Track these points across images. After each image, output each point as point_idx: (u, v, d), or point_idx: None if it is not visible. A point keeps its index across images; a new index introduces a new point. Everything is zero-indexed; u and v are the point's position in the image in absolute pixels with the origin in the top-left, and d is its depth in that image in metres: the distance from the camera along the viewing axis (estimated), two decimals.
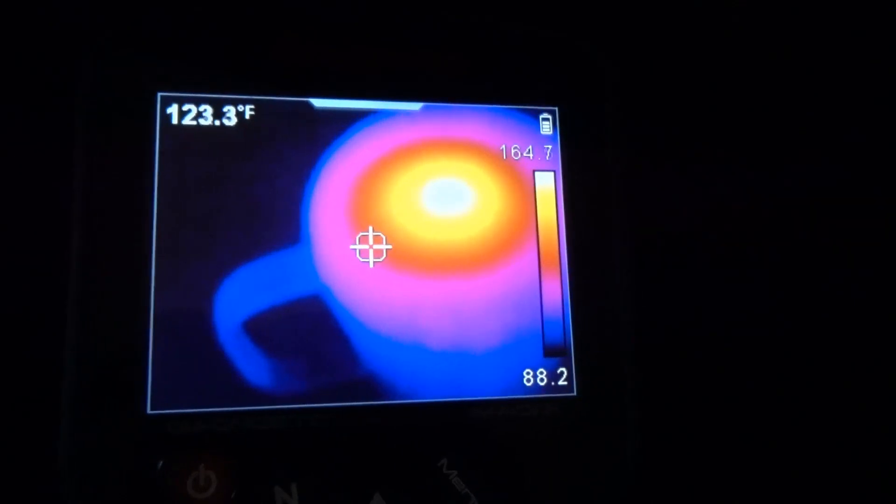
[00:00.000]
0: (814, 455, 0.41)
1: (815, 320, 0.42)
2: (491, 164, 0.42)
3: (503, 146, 0.42)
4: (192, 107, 0.39)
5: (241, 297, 0.38)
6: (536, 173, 0.42)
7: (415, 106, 0.42)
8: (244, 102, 0.40)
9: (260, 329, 0.38)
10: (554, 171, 0.42)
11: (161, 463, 0.35)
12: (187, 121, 0.39)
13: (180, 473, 0.35)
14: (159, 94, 0.39)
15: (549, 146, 0.43)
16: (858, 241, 0.43)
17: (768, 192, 0.44)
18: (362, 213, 0.40)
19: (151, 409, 0.36)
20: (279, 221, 0.39)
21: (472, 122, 0.42)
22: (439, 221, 0.41)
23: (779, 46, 0.44)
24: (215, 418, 0.36)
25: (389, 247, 0.40)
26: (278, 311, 0.38)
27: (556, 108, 0.43)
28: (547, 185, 0.42)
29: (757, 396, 0.41)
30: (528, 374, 0.40)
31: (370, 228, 0.40)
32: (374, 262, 0.39)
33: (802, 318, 0.42)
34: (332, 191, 0.40)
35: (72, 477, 0.35)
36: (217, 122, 0.39)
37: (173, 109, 0.39)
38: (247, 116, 0.39)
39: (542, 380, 0.40)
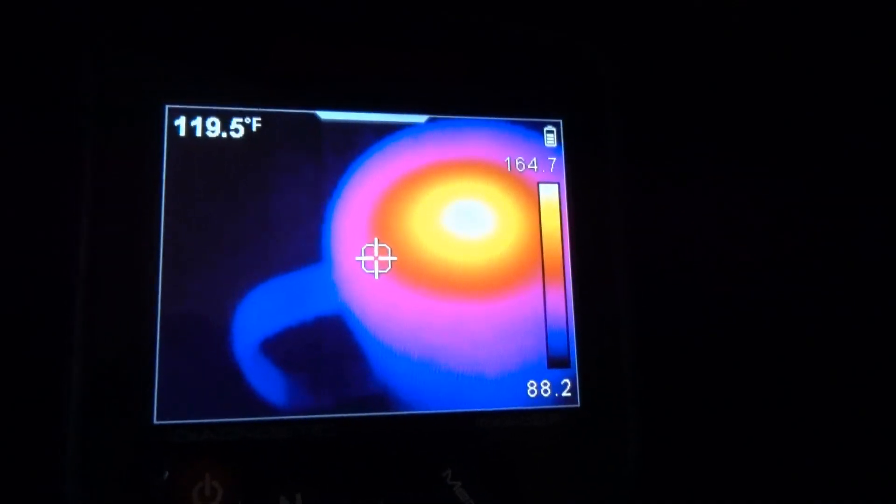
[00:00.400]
0: (815, 467, 0.41)
1: (819, 330, 0.42)
2: (496, 176, 0.42)
3: (507, 158, 0.42)
4: (200, 119, 0.39)
5: (259, 313, 0.38)
6: (541, 185, 0.42)
7: (420, 118, 0.42)
8: (251, 115, 0.40)
9: (276, 346, 0.38)
10: (558, 183, 0.42)
11: (167, 473, 0.35)
12: (195, 133, 0.39)
13: (186, 483, 0.35)
14: (167, 106, 0.39)
15: (554, 158, 0.43)
16: (862, 252, 0.43)
17: (773, 204, 0.44)
18: (369, 227, 0.40)
19: (158, 420, 0.36)
20: (298, 241, 0.39)
21: (477, 135, 0.42)
22: (444, 234, 0.41)
23: (783, 53, 0.44)
24: (221, 428, 0.36)
25: (394, 258, 0.40)
26: (296, 330, 0.38)
27: (561, 121, 0.43)
28: (551, 197, 0.42)
29: (759, 407, 0.41)
30: (531, 385, 0.40)
31: (375, 240, 0.40)
32: (380, 273, 0.40)
33: (806, 328, 0.42)
34: (348, 212, 0.40)
35: (78, 486, 0.35)
36: (224, 135, 0.39)
37: (181, 121, 0.39)
38: (253, 129, 0.40)
39: (545, 391, 0.40)
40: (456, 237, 0.41)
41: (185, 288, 0.37)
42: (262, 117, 0.40)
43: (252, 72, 0.40)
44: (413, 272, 0.40)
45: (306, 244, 0.39)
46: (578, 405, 0.40)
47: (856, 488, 0.40)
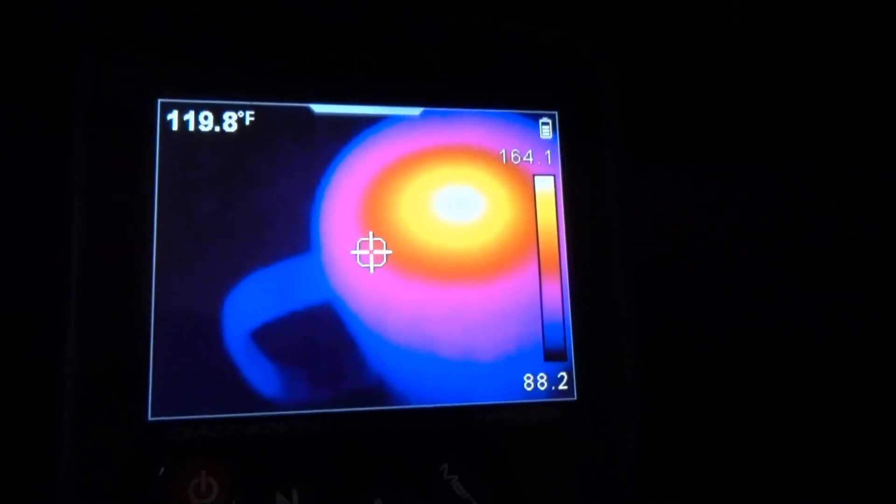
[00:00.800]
0: (813, 462, 0.41)
1: (818, 326, 0.42)
2: (491, 168, 0.42)
3: (503, 150, 0.42)
4: (192, 113, 0.39)
5: (249, 305, 0.38)
6: (536, 177, 0.42)
7: (415, 111, 0.42)
8: (244, 108, 0.40)
9: (267, 337, 0.38)
10: (554, 176, 0.42)
11: (162, 470, 0.35)
12: (187, 127, 0.39)
13: (181, 480, 0.35)
14: (159, 101, 0.39)
15: (549, 150, 0.43)
16: (861, 248, 0.43)
17: (771, 198, 0.43)
18: (363, 220, 0.40)
19: (152, 416, 0.36)
20: (287, 230, 0.39)
21: (472, 127, 0.42)
22: (439, 226, 0.41)
23: (782, 48, 0.44)
24: (216, 424, 0.36)
25: (390, 252, 0.40)
26: (287, 320, 0.38)
27: (556, 112, 0.43)
28: (547, 190, 0.42)
29: (758, 400, 0.41)
30: (528, 378, 0.40)
31: (370, 234, 0.40)
32: (375, 267, 0.39)
33: (805, 322, 0.42)
34: (338, 200, 0.40)
35: (73, 484, 0.35)
36: (217, 129, 0.39)
37: (173, 115, 0.39)
38: (247, 122, 0.39)
39: (542, 384, 0.40)
40: (451, 230, 0.41)
41: (179, 283, 0.37)
42: (255, 111, 0.40)
43: (245, 66, 0.40)
44: (409, 266, 0.40)
45: (301, 238, 0.39)
46: (575, 398, 0.40)
47: (856, 485, 0.40)
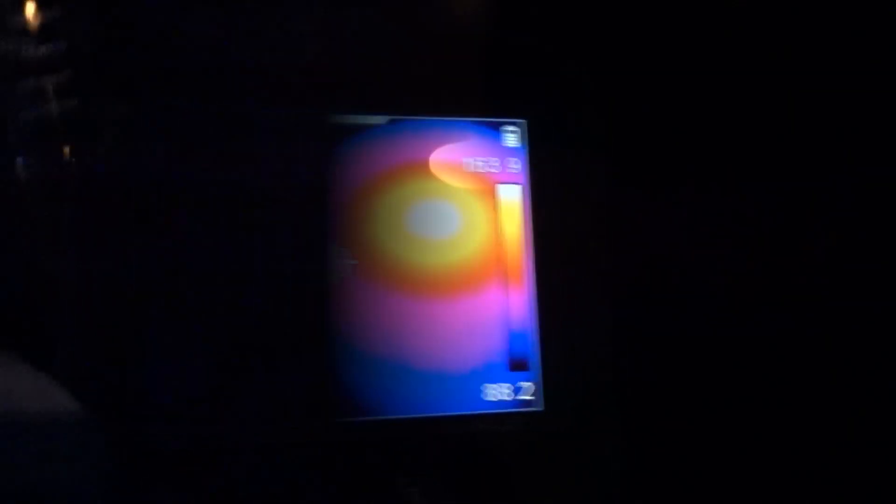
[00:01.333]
0: (790, 477, 0.40)
1: (795, 332, 0.41)
2: (456, 177, 0.42)
3: (468, 159, 0.42)
4: None
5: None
6: (501, 186, 0.42)
7: (381, 119, 0.42)
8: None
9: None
10: (519, 184, 0.42)
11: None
12: None
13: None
14: None
15: (514, 159, 0.42)
16: (841, 267, 0.42)
17: (742, 206, 0.43)
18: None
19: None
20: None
21: (438, 135, 0.42)
22: (404, 236, 0.40)
23: (760, 57, 0.43)
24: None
25: (355, 262, 0.40)
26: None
27: (524, 121, 0.43)
28: (512, 198, 0.42)
29: (729, 410, 0.40)
30: (491, 388, 0.39)
31: (334, 244, 0.40)
32: (340, 276, 0.39)
33: (775, 330, 0.41)
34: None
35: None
36: None
37: None
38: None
39: (506, 394, 0.40)
40: (416, 239, 0.41)
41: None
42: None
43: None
44: (373, 275, 0.40)
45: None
46: (542, 409, 0.40)
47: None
